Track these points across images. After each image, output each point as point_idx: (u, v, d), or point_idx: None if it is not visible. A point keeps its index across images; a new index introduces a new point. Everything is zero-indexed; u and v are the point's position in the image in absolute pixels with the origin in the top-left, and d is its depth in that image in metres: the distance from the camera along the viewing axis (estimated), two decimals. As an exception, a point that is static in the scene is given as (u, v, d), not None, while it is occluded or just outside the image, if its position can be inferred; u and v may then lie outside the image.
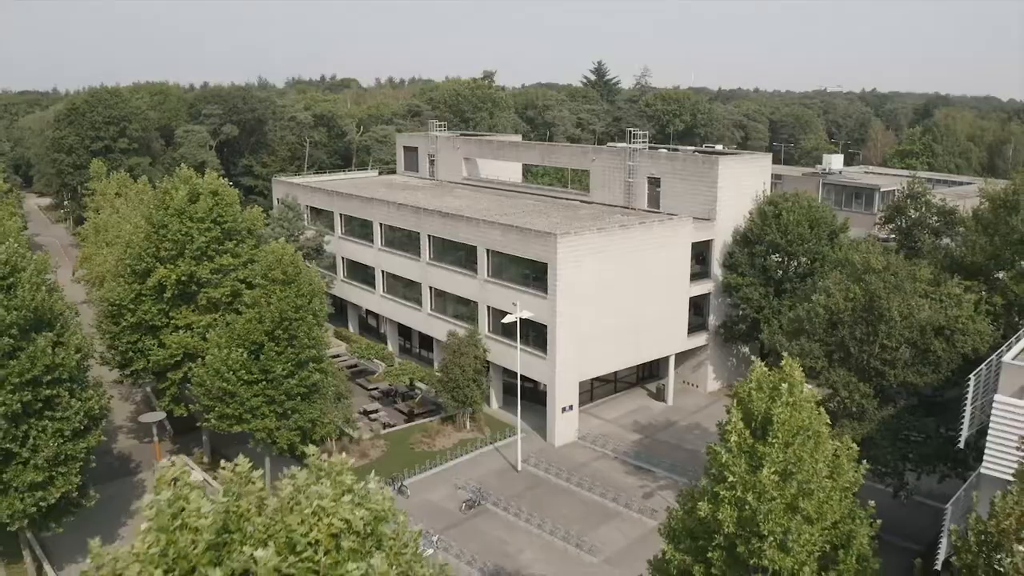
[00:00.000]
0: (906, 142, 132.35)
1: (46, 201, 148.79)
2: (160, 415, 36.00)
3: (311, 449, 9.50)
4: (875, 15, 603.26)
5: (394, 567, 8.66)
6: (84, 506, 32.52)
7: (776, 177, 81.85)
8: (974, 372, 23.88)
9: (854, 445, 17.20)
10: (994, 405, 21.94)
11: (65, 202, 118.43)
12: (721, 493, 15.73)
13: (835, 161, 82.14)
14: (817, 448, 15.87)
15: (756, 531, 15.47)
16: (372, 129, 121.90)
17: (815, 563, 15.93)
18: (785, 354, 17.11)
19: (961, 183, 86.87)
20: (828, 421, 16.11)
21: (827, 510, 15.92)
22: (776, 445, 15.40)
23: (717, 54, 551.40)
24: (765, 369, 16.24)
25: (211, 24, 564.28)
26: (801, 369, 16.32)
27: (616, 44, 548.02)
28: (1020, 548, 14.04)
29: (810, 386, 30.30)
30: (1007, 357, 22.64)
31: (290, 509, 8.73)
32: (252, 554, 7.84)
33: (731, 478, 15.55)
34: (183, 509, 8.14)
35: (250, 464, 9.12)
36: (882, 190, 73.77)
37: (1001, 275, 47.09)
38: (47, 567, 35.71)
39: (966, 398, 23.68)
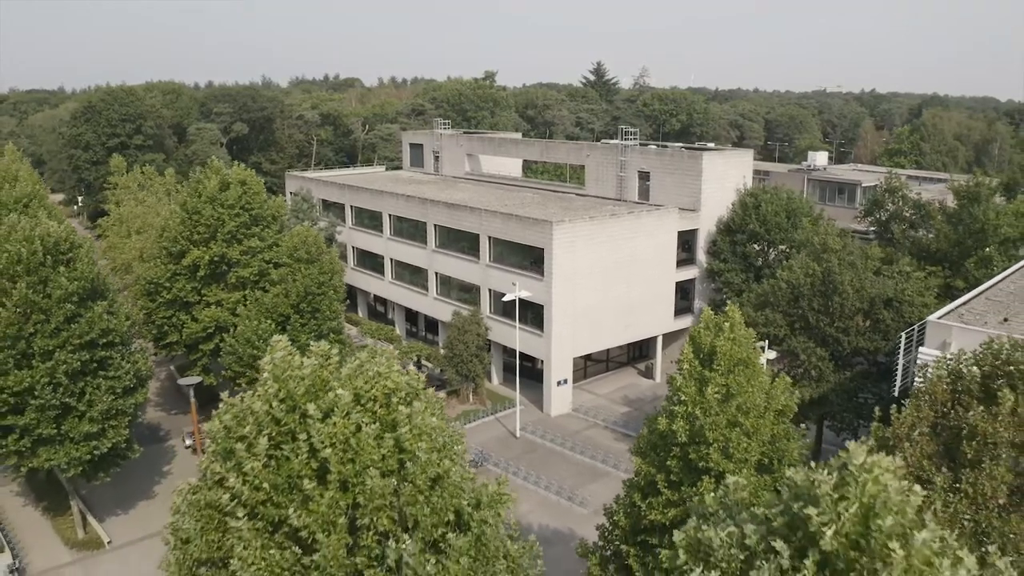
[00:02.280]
0: (894, 141, 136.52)
1: (58, 197, 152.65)
2: (196, 379, 39.96)
3: (369, 341, 13.45)
4: (876, 16, 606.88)
5: (430, 408, 12.66)
6: (129, 457, 36.48)
7: (764, 173, 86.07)
8: (905, 330, 27.83)
9: (788, 379, 21.16)
10: (919, 356, 25.89)
11: (80, 197, 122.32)
12: (675, 409, 19.73)
13: (820, 158, 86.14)
14: (753, 376, 19.83)
15: (704, 439, 19.44)
16: (377, 127, 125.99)
17: (752, 468, 19.88)
18: (729, 303, 21.04)
19: (947, 180, 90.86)
20: (762, 352, 20.05)
21: (762, 425, 19.87)
22: (719, 371, 19.37)
23: (718, 54, 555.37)
24: (712, 312, 20.23)
25: (214, 24, 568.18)
26: (741, 312, 20.29)
27: (616, 45, 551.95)
28: (907, 444, 17.98)
29: (772, 352, 34.31)
30: (932, 317, 26.61)
31: (357, 375, 12.72)
32: (337, 392, 11.83)
33: (683, 397, 19.55)
34: (289, 364, 12.13)
35: (329, 346, 13.11)
36: (863, 185, 77.77)
37: (967, 263, 51.12)
38: (90, 518, 39.70)
39: (899, 353, 27.64)
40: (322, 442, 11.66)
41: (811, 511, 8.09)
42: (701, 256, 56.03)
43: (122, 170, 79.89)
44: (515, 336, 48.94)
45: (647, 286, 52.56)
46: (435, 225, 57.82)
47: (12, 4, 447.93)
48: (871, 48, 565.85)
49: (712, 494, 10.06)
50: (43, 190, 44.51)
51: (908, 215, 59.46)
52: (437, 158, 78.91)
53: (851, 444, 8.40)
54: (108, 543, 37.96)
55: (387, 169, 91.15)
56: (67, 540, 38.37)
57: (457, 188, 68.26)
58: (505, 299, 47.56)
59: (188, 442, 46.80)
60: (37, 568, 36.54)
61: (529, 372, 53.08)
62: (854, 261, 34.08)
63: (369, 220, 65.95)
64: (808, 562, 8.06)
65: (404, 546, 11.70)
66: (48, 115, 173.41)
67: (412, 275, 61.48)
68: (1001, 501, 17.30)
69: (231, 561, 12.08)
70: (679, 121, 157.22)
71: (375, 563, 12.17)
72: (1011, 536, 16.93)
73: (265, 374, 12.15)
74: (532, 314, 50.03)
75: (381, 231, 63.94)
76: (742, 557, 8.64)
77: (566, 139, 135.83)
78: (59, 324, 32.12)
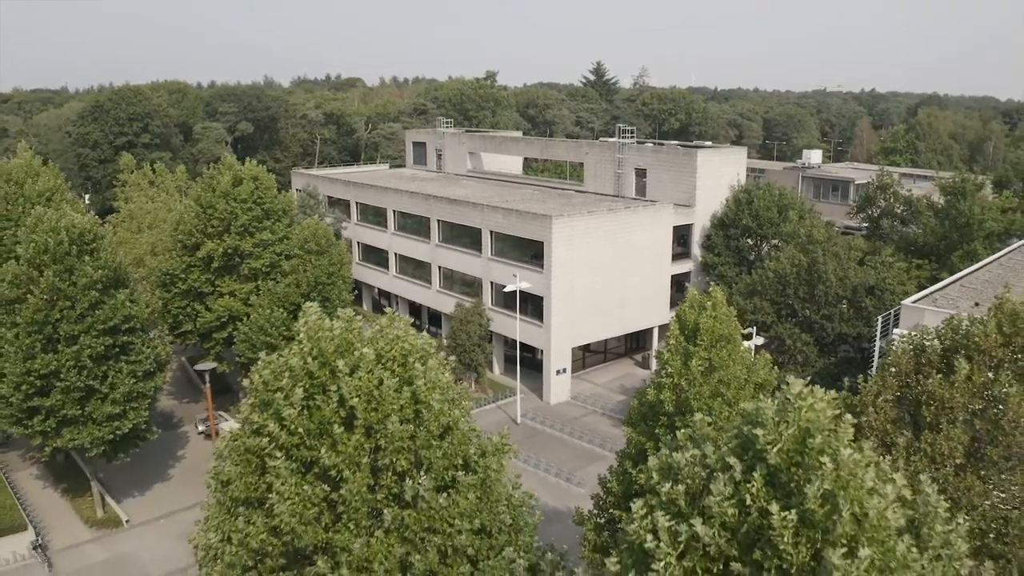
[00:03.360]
0: (890, 140, 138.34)
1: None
2: (212, 364, 41.73)
3: (388, 308, 15.24)
4: (876, 16, 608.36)
5: (441, 367, 14.46)
6: (148, 439, 38.24)
7: (759, 171, 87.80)
8: (882, 314, 29.61)
9: (768, 356, 22.97)
10: (893, 337, 27.66)
11: (87, 195, 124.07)
12: (663, 381, 21.53)
13: (814, 156, 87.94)
14: (734, 351, 21.63)
15: (688, 408, 21.22)
16: (380, 127, 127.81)
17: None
18: (712, 284, 22.85)
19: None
20: (742, 330, 21.86)
21: (743, 396, 21.65)
22: (702, 346, 21.16)
23: (718, 54, 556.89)
24: (696, 292, 22.03)
25: (214, 24, 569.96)
26: (725, 295, 22.09)
27: (616, 45, 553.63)
28: (871, 410, 19.77)
29: (760, 338, 36.09)
30: (907, 301, 28.39)
31: (378, 338, 14.51)
32: (362, 351, 13.62)
33: (670, 370, 21.34)
34: (321, 327, 13.93)
35: (352, 312, 14.90)
36: (856, 183, 79.56)
37: (953, 257, 52.90)
38: (109, 499, 41.48)
39: (875, 335, 29.41)
40: (350, 393, 13.44)
41: (758, 432, 9.89)
42: (696, 250, 57.86)
43: (131, 167, 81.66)
44: (516, 327, 50.74)
45: (643, 279, 54.33)
46: (438, 220, 59.61)
47: (13, 4, 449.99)
48: (871, 48, 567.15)
49: (682, 431, 11.84)
50: (64, 184, 46.37)
51: (899, 211, 61.28)
52: (440, 156, 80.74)
53: (790, 377, 10.18)
54: (126, 522, 39.69)
55: (390, 167, 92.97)
56: (87, 519, 40.05)
57: (459, 185, 70.07)
58: (506, 290, 49.39)
59: (201, 428, 48.60)
60: (59, 545, 38.24)
61: (529, 363, 54.85)
62: (838, 252, 35.90)
63: (374, 216, 67.77)
64: (756, 475, 9.84)
65: (420, 483, 13.50)
66: (53, 114, 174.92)
67: (416, 269, 63.29)
68: (958, 460, 19.04)
69: (269, 496, 13.88)
70: (678, 120, 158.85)
71: (392, 502, 13.98)
72: (966, 491, 18.71)
73: (300, 334, 13.94)
74: (532, 306, 51.83)
75: (385, 227, 65.77)
76: (703, 474, 10.43)
77: (566, 138, 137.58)
78: (84, 310, 33.90)
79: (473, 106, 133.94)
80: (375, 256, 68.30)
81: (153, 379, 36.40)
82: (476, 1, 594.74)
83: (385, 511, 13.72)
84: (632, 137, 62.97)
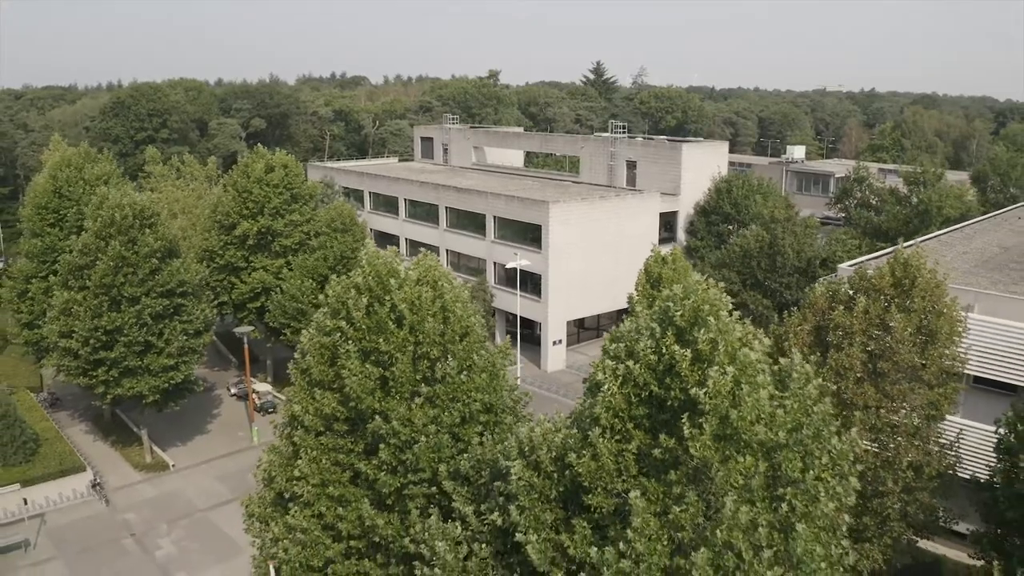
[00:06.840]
0: (877, 137, 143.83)
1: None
2: (249, 328, 47.09)
3: (423, 250, 20.79)
4: (878, 16, 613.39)
5: (462, 288, 20.01)
6: (195, 391, 43.81)
7: (747, 165, 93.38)
8: (821, 277, 35.02)
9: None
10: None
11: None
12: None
13: (797, 151, 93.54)
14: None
15: (653, 340, 26.75)
16: (387, 123, 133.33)
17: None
18: (674, 246, 28.37)
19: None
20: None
21: (696, 332, 27.14)
22: (663, 290, 26.63)
23: (720, 55, 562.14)
24: (660, 249, 27.53)
25: (216, 23, 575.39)
26: (684, 256, 27.59)
27: (618, 44, 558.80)
28: (792, 336, 25.28)
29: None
30: (843, 265, 33.87)
31: (417, 266, 20.06)
32: (406, 273, 19.16)
33: (637, 309, 26.84)
34: (377, 255, 19.48)
35: (396, 249, 20.43)
36: (836, 176, 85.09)
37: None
38: (155, 447, 46.91)
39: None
40: (399, 302, 18.97)
41: (669, 304, 15.42)
42: (681, 235, 63.36)
43: (157, 160, 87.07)
44: (516, 302, 56.28)
45: (632, 260, 59.45)
46: (446, 208, 65.17)
47: (15, 3, 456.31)
48: (873, 48, 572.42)
49: (628, 320, 17.37)
50: (118, 169, 51.90)
51: (874, 202, 66.84)
52: (446, 150, 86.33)
53: (692, 273, 15.71)
54: (172, 466, 45.13)
55: (399, 161, 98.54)
56: (136, 464, 45.27)
57: (465, 176, 75.63)
58: (508, 266, 54.92)
59: (233, 391, 54.21)
60: (114, 485, 43.64)
61: (528, 338, 60.31)
62: (796, 229, 41.41)
63: (385, 205, 73.32)
64: (669, 333, 15.35)
65: (448, 365, 19.04)
66: (68, 110, 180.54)
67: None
68: (858, 374, 24.50)
69: (338, 380, 19.43)
70: (674, 118, 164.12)
71: (426, 382, 19.51)
72: (862, 396, 24.18)
73: (362, 261, 19.50)
74: (531, 284, 57.36)
75: (397, 214, 71.32)
76: (636, 337, 15.96)
77: (565, 134, 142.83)
78: (145, 275, 39.34)
79: (476, 104, 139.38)
80: (387, 241, 73.70)
81: (201, 337, 41.92)
82: (480, 2, 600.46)
83: (422, 386, 19.26)
84: (624, 133, 68.48)
